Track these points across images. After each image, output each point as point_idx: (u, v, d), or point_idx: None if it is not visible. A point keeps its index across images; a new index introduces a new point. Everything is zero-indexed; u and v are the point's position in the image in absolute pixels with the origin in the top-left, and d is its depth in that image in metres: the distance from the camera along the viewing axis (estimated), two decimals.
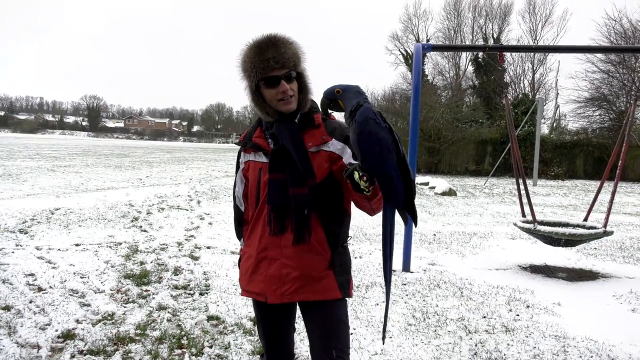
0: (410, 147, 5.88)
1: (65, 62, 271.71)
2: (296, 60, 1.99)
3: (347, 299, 2.07)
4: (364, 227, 8.61)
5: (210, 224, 8.41)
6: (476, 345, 3.68)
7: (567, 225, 6.37)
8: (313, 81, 2.07)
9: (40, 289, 4.59)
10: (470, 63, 38.41)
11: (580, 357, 3.54)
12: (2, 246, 6.16)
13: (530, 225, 6.02)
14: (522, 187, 6.24)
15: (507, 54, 34.70)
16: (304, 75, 2.04)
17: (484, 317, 4.29)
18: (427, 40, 41.79)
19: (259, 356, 3.32)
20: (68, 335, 3.59)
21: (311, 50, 2.14)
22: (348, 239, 2.13)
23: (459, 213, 11.05)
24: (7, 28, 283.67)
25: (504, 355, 3.52)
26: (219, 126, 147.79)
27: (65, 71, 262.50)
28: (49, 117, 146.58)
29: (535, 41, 39.28)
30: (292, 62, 1.97)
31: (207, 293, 4.70)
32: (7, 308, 4.08)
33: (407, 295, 4.83)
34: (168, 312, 4.13)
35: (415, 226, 2.00)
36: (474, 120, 27.71)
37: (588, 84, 28.40)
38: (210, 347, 3.52)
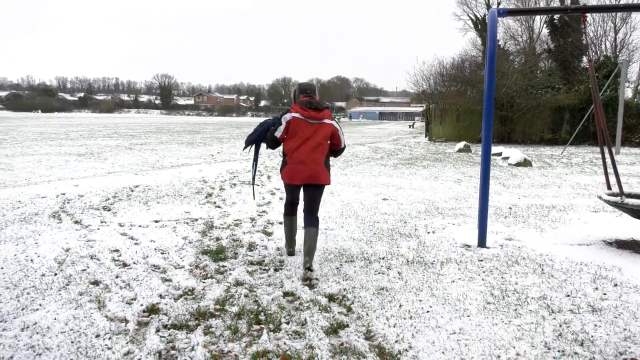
0: (485, 117, 5.65)
1: (138, 43, 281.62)
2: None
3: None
4: (435, 201, 8.45)
5: (281, 199, 8.51)
6: (560, 325, 3.52)
7: None
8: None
9: (124, 265, 4.83)
10: (545, 25, 36.39)
11: None
12: (89, 223, 6.52)
13: (617, 199, 5.66)
14: (607, 157, 5.87)
15: (588, 15, 32.55)
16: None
17: (568, 295, 4.10)
18: (498, 4, 39.89)
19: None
20: (152, 310, 3.76)
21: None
22: (285, 155, 4.74)
23: (536, 185, 10.61)
24: (84, 14, 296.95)
25: (592, 337, 3.35)
26: (285, 100, 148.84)
27: (138, 52, 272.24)
28: (124, 97, 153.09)
29: None
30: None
31: (281, 269, 4.77)
32: (96, 283, 4.32)
33: (484, 272, 4.70)
34: (245, 288, 4.23)
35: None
36: (550, 86, 26.35)
37: None
38: (287, 323, 3.57)
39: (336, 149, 4.86)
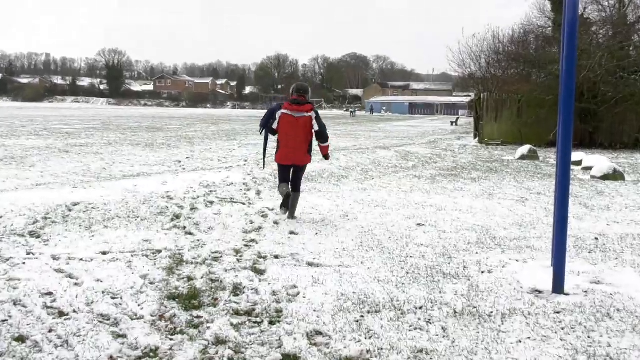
0: (563, 111, 5.62)
1: (76, 7, 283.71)
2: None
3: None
4: (491, 228, 8.44)
5: (276, 223, 8.53)
6: None
7: None
8: None
9: (61, 314, 4.82)
10: None
11: None
12: (10, 255, 6.52)
13: None
14: None
15: None
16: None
17: None
18: None
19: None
20: None
21: None
22: (278, 142, 8.94)
23: (631, 206, 10.59)
24: None
25: None
26: (279, 86, 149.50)
27: (77, 20, 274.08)
28: (58, 80, 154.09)
29: None
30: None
31: (279, 321, 4.76)
32: (22, 339, 4.30)
33: (562, 329, 4.66)
34: (229, 348, 4.22)
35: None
36: None
37: None
38: None
39: (316, 134, 8.89)
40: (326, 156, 9.30)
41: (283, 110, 8.71)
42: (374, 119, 76.46)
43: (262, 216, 9.05)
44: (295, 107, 8.67)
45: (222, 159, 18.02)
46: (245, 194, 11.16)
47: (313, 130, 8.80)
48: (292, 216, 8.89)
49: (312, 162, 9.39)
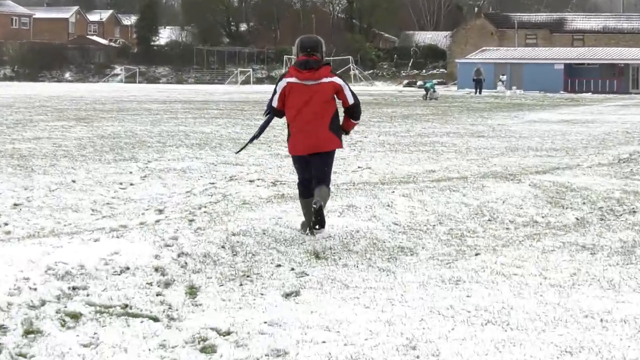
0: None
1: None
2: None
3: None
4: None
5: None
6: None
7: None
8: None
9: None
10: None
11: None
12: None
13: None
14: None
15: None
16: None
17: None
18: None
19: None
20: None
21: None
22: (288, 125, 15.48)
23: None
24: None
25: None
26: (242, 27, 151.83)
27: None
28: None
29: None
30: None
31: None
32: None
33: None
34: None
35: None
36: None
37: None
38: None
39: (347, 109, 14.04)
40: (347, 131, 14.66)
41: (288, 79, 13.41)
42: (480, 103, 76.97)
43: (203, 351, 8.89)
44: (308, 74, 13.27)
45: (101, 207, 18.08)
46: (159, 294, 11.07)
47: (343, 102, 13.57)
48: (321, 224, 13.84)
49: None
